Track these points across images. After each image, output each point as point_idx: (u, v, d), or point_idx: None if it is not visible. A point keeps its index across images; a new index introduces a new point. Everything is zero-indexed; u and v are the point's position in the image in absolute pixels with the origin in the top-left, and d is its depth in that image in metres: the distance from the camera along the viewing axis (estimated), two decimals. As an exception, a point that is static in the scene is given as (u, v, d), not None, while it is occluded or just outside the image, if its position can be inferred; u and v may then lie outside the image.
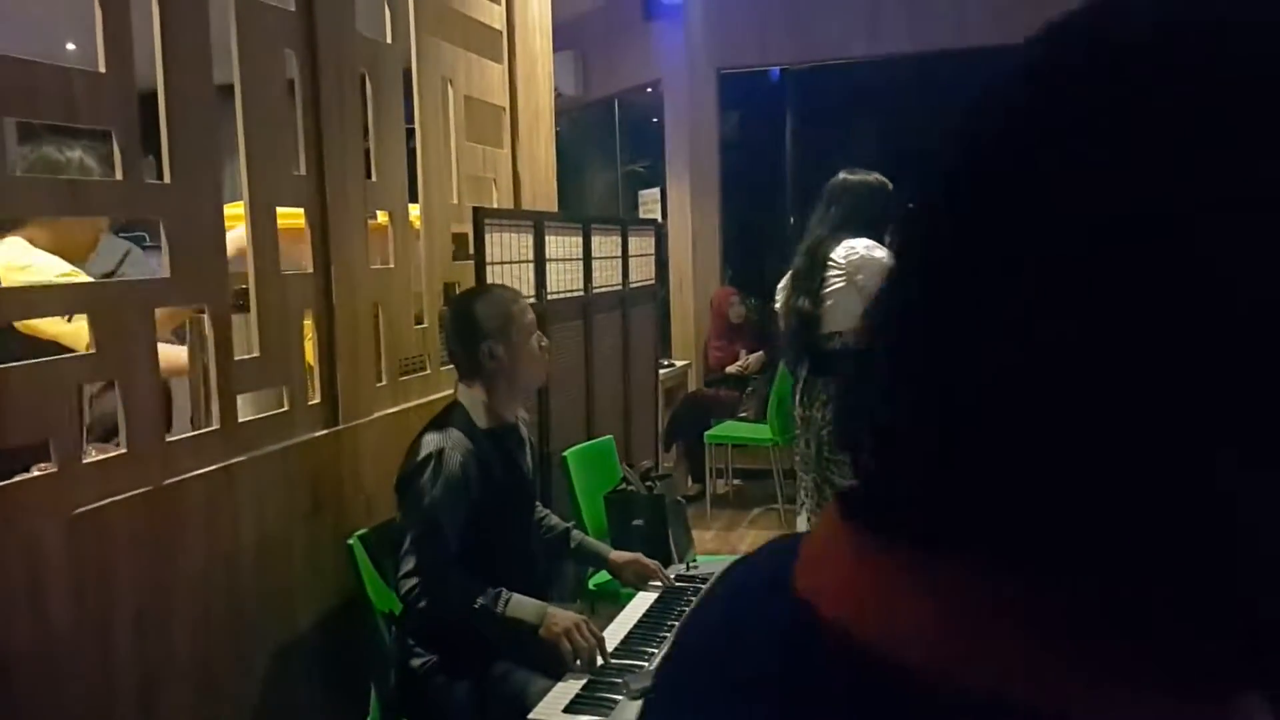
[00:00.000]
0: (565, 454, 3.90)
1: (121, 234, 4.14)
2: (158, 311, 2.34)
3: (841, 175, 3.89)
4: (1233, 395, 0.32)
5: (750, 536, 6.38)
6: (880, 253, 3.73)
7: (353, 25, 3.06)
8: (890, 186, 3.81)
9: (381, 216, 3.28)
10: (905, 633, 0.39)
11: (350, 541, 2.77)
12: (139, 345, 2.24)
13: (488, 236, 3.60)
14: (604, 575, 3.39)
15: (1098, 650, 0.36)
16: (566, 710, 2.18)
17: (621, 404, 5.05)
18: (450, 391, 2.90)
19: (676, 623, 2.57)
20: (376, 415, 3.14)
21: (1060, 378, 0.34)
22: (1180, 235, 0.33)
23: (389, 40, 3.32)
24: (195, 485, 2.39)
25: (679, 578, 2.96)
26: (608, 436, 4.35)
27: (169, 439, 2.36)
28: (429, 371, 3.51)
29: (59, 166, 2.67)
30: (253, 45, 2.64)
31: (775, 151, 8.36)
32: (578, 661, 2.38)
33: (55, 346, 2.55)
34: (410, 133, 3.46)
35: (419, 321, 3.47)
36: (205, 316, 2.53)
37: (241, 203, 2.64)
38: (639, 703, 2.11)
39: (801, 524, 4.02)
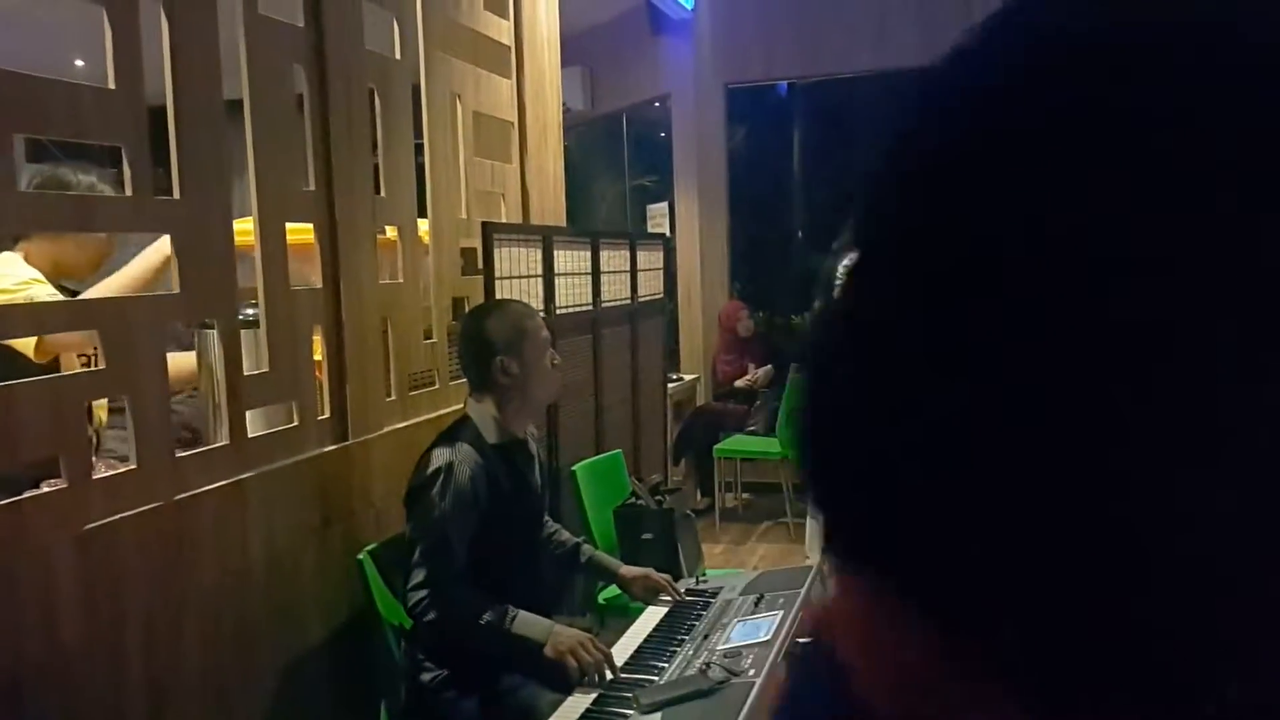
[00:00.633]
0: (574, 468, 3.90)
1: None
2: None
3: None
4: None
5: (760, 550, 6.36)
6: None
7: (361, 40, 3.07)
8: None
9: (390, 231, 3.28)
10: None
11: (360, 556, 2.76)
12: (148, 361, 2.25)
13: (496, 251, 3.61)
14: (614, 589, 3.38)
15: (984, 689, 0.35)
16: (577, 725, 2.17)
17: (630, 418, 5.04)
18: (460, 406, 2.90)
19: (686, 636, 2.57)
20: (386, 430, 3.14)
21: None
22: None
23: (398, 55, 3.33)
24: (205, 500, 2.39)
25: (689, 591, 2.95)
26: (616, 451, 4.34)
27: (179, 454, 2.36)
28: (438, 386, 3.51)
29: (71, 189, 2.68)
30: (262, 60, 2.64)
31: (783, 165, 8.39)
32: (586, 678, 2.38)
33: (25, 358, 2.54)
34: (419, 148, 3.47)
35: (428, 336, 3.47)
36: (214, 331, 2.53)
37: (250, 218, 2.64)
38: (650, 717, 2.10)
39: (813, 530, 4.01)
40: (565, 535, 3.11)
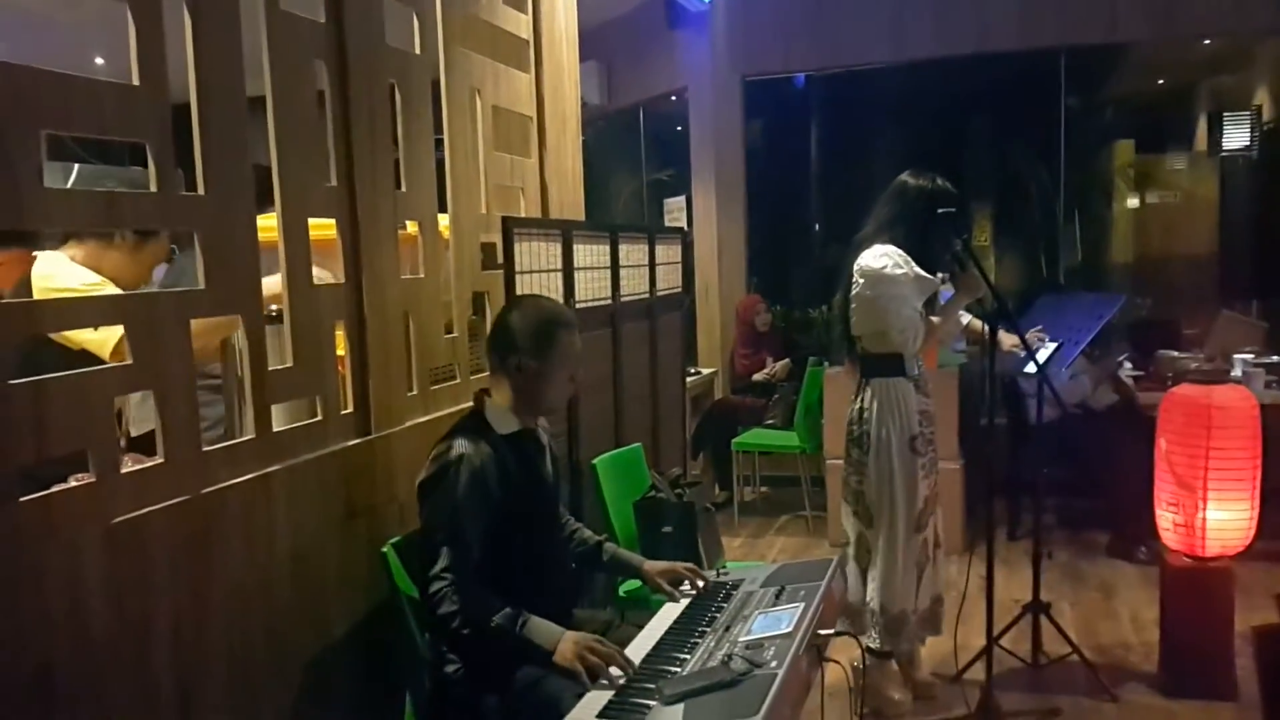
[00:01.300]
0: (594, 462, 3.91)
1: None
2: (194, 323, 2.36)
3: (903, 176, 3.88)
4: None
5: (778, 543, 6.37)
6: (880, 263, 3.71)
7: (382, 36, 3.08)
8: (952, 191, 3.79)
9: (411, 226, 3.29)
10: None
11: (384, 549, 2.78)
12: (175, 356, 2.27)
13: (517, 246, 3.62)
14: (634, 582, 3.39)
15: None
16: (600, 716, 2.18)
17: (649, 412, 5.05)
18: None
19: (707, 628, 2.57)
20: (408, 424, 3.16)
21: None
22: None
23: (418, 51, 3.34)
24: (231, 494, 2.41)
25: (708, 584, 2.96)
26: (636, 444, 4.35)
27: (205, 449, 2.38)
28: (459, 380, 3.52)
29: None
30: (284, 57, 2.66)
31: (800, 158, 8.38)
32: (599, 681, 2.37)
33: (85, 356, 2.57)
34: (438, 143, 3.48)
35: (449, 331, 3.48)
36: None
37: (274, 214, 2.66)
38: (672, 708, 2.11)
39: (845, 517, 4.02)
40: (587, 533, 3.11)
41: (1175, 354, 6.16)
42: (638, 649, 2.52)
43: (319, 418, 2.80)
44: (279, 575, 2.57)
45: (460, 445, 2.65)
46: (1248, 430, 3.86)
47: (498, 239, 3.67)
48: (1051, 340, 4.60)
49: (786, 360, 7.35)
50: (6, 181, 1.90)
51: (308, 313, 2.73)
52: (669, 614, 2.76)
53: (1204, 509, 3.89)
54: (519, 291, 3.59)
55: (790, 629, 2.40)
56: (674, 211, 8.48)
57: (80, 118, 2.08)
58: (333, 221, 2.88)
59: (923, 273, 3.74)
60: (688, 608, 2.79)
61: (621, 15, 7.97)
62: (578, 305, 4.09)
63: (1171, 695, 3.98)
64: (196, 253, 2.38)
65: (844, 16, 7.38)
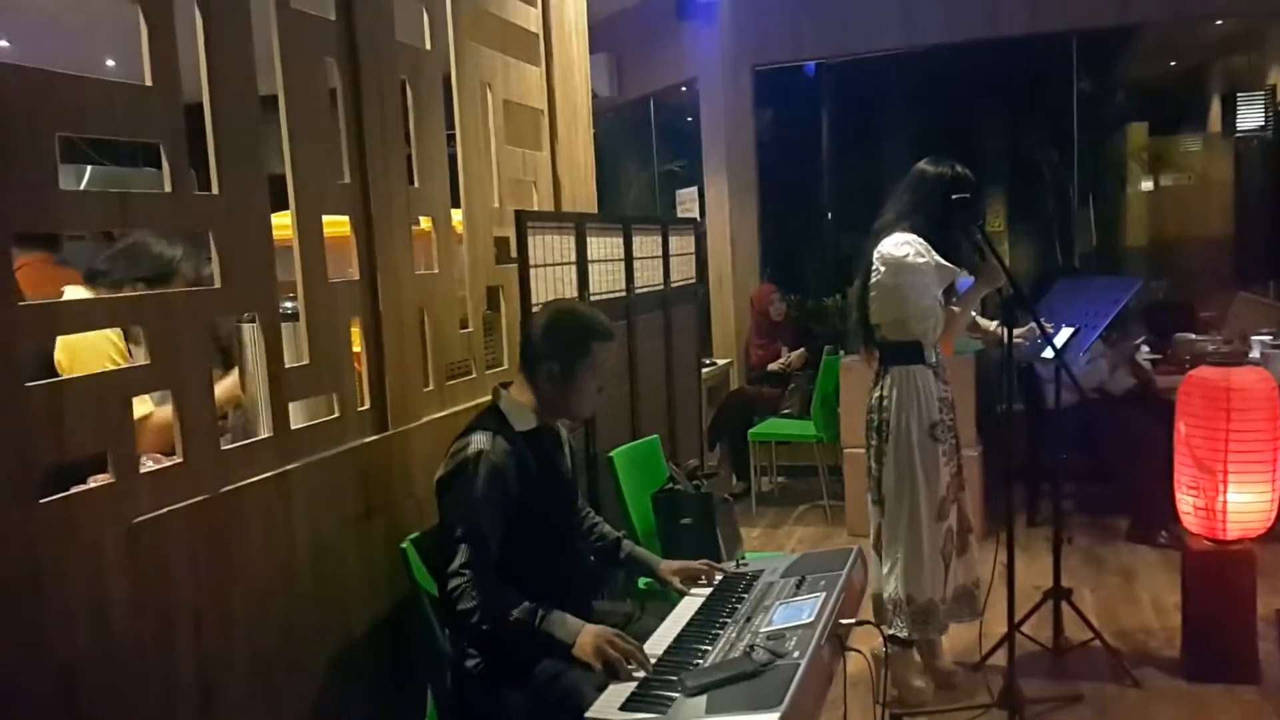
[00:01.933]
0: (611, 454, 3.91)
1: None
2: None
3: (921, 163, 3.86)
4: None
5: (797, 533, 6.37)
6: (901, 251, 3.70)
7: (392, 32, 3.08)
8: (971, 178, 3.77)
9: (424, 222, 3.29)
10: None
11: (403, 545, 2.78)
12: (192, 355, 2.27)
13: (530, 239, 3.62)
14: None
15: None
16: (623, 708, 2.17)
17: (665, 403, 5.05)
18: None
19: (729, 619, 2.57)
20: (425, 420, 3.16)
21: None
22: None
23: (428, 46, 3.34)
24: (250, 493, 2.42)
25: (729, 575, 2.95)
26: (653, 436, 4.35)
27: (224, 448, 2.39)
28: (475, 375, 3.52)
29: (158, 260, 2.94)
30: (295, 55, 2.66)
31: (811, 146, 8.35)
32: (619, 676, 2.36)
33: None
34: (450, 138, 3.47)
35: (464, 326, 3.48)
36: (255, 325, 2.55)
37: (288, 212, 2.66)
38: (695, 700, 2.11)
39: (869, 505, 4.01)
40: (606, 529, 3.11)
41: (1193, 336, 6.13)
42: (659, 641, 2.52)
43: (336, 414, 2.80)
44: (299, 573, 2.58)
45: (478, 441, 2.65)
46: (1267, 412, 3.84)
47: (511, 233, 3.67)
48: (1067, 325, 4.58)
49: (802, 349, 7.33)
50: (23, 183, 1.91)
51: (323, 309, 2.73)
52: (690, 606, 2.76)
53: (1224, 492, 3.87)
54: (533, 285, 3.59)
55: (812, 619, 2.40)
56: (686, 202, 8.47)
57: (94, 119, 2.08)
58: (346, 219, 2.89)
59: (943, 261, 3.73)
60: (708, 599, 2.79)
61: (630, 7, 7.95)
62: (592, 298, 4.09)
63: (1194, 679, 3.96)
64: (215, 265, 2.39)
65: (853, 3, 7.35)
